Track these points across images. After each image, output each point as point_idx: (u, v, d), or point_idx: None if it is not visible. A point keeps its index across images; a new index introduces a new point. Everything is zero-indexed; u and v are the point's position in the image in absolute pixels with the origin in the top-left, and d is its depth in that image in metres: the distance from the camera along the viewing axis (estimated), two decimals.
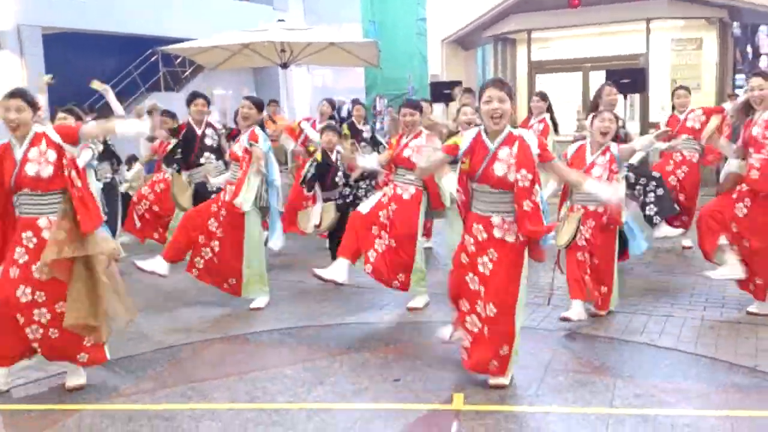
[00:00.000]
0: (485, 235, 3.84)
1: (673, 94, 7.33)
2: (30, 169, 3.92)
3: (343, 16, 20.70)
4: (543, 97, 8.00)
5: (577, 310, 4.97)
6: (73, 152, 4.05)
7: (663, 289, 5.90)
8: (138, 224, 7.88)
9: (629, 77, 9.19)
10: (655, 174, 6.65)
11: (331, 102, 9.10)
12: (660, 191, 6.48)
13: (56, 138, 3.98)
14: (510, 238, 3.80)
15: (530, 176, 3.66)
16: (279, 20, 10.85)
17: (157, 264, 5.69)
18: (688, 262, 6.85)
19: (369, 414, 3.74)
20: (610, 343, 4.69)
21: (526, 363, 4.32)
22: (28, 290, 3.94)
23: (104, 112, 14.13)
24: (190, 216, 5.87)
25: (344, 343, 4.92)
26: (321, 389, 4.05)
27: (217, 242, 5.64)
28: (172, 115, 7.80)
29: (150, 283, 6.62)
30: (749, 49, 21.78)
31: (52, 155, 3.95)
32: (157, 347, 4.91)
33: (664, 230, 6.53)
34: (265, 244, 6.08)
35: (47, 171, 3.92)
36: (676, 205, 6.66)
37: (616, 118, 5.18)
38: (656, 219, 6.48)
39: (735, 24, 15.69)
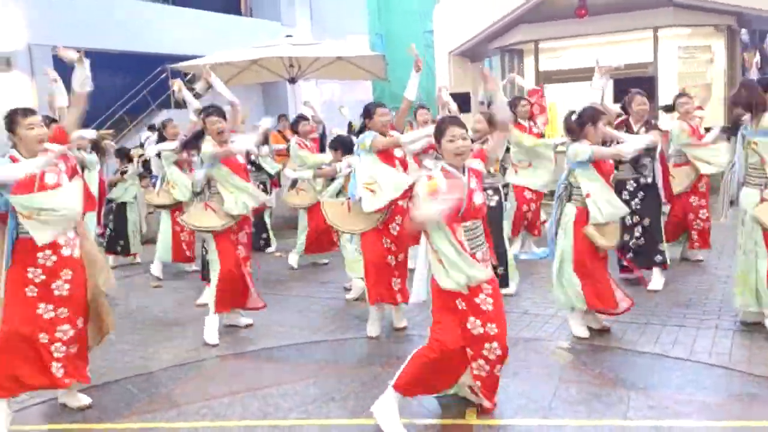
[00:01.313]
0: None
1: (675, 104, 7.02)
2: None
3: (350, 29, 20.82)
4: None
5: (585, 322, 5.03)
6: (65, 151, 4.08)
7: (675, 299, 5.85)
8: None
9: (638, 86, 9.14)
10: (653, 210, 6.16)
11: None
12: (642, 241, 6.11)
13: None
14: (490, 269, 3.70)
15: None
16: (287, 36, 10.95)
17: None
18: (702, 271, 6.80)
19: (381, 430, 3.72)
20: (623, 354, 4.65)
21: (539, 376, 4.30)
22: (50, 307, 3.99)
23: (119, 126, 14.29)
24: None
25: (355, 358, 4.91)
26: (332, 405, 4.05)
27: None
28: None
29: (159, 301, 6.66)
30: (757, 55, 21.71)
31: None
32: (169, 365, 4.92)
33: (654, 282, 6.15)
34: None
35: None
36: (657, 257, 6.11)
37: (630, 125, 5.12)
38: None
39: (743, 31, 15.64)
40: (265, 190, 8.43)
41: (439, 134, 3.65)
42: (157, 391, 4.45)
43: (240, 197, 5.34)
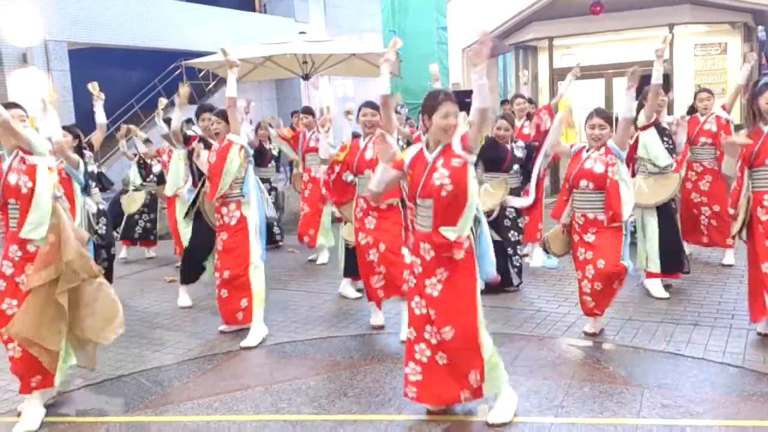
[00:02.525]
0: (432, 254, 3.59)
1: (695, 97, 7.16)
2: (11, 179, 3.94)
3: (364, 26, 20.80)
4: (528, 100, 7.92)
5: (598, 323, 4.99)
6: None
7: (689, 297, 5.81)
8: None
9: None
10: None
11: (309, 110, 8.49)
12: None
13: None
14: (459, 255, 3.57)
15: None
16: (300, 32, 10.95)
17: None
18: (716, 270, 6.75)
19: (394, 426, 3.73)
20: (636, 352, 4.63)
21: (551, 374, 4.29)
22: (14, 302, 3.95)
23: (133, 121, 14.37)
24: None
25: (368, 354, 4.92)
26: (345, 400, 4.06)
27: None
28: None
29: (171, 297, 6.70)
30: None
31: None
32: (182, 359, 4.96)
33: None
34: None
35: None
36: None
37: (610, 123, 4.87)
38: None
39: (760, 28, 15.48)
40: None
41: (431, 107, 3.55)
42: (170, 386, 4.49)
43: None
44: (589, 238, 4.74)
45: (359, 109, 5.32)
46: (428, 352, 3.64)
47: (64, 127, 6.06)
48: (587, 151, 4.84)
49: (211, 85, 17.38)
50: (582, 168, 4.77)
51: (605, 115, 4.83)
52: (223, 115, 5.46)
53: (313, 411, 3.94)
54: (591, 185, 4.71)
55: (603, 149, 4.75)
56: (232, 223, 5.33)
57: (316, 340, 5.26)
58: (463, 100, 10.71)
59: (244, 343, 5.13)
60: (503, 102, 15.63)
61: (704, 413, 3.68)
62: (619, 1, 11.82)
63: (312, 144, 7.96)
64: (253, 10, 19.11)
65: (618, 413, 3.73)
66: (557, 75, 13.75)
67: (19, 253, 3.96)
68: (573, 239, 4.89)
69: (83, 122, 12.20)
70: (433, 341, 3.61)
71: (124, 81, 15.86)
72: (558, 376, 4.25)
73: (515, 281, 6.22)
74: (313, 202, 7.78)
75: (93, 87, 6.11)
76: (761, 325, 4.76)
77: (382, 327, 5.42)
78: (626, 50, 13.55)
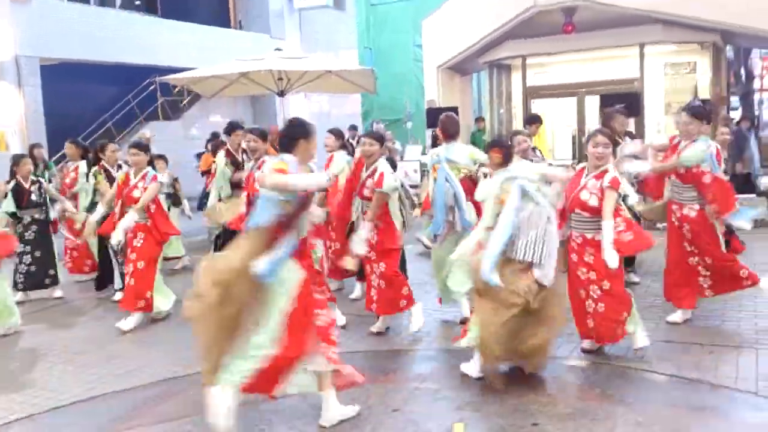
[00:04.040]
0: None
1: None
2: None
3: (340, 43, 20.90)
4: (337, 134, 6.89)
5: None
6: None
7: (661, 315, 5.84)
8: None
9: (624, 102, 9.23)
10: None
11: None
12: None
13: None
14: None
15: None
16: (276, 49, 10.95)
17: None
18: None
19: None
20: (611, 370, 4.65)
21: (525, 392, 4.29)
22: None
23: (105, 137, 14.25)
24: None
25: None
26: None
27: None
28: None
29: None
30: (743, 71, 21.99)
31: None
32: (152, 380, 4.87)
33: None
34: None
35: None
36: None
37: (615, 142, 5.03)
38: None
39: (728, 47, 15.83)
40: None
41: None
42: (142, 407, 4.41)
43: None
44: (589, 258, 4.72)
45: (358, 139, 5.50)
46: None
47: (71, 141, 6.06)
48: (586, 175, 4.80)
49: (185, 101, 17.32)
50: (578, 198, 4.73)
51: (608, 134, 4.85)
52: (261, 134, 5.72)
53: (290, 431, 3.90)
54: (586, 214, 4.73)
55: (601, 177, 4.69)
56: None
57: None
58: (437, 117, 10.80)
59: None
60: (477, 119, 15.81)
61: (679, 430, 3.70)
62: (591, 20, 12.02)
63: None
64: (229, 26, 19.11)
65: (592, 430, 3.74)
66: (530, 93, 13.93)
67: None
68: (571, 258, 4.85)
69: (54, 138, 12.10)
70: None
71: (98, 96, 15.73)
72: (531, 395, 4.25)
73: None
74: None
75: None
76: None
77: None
78: (598, 69, 13.77)
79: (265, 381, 3.62)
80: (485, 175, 5.44)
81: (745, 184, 11.02)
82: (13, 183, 7.15)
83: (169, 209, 7.94)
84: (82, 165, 8.02)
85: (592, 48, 12.95)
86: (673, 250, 5.55)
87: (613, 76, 13.41)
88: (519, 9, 12.43)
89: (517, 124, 13.94)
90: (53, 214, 7.50)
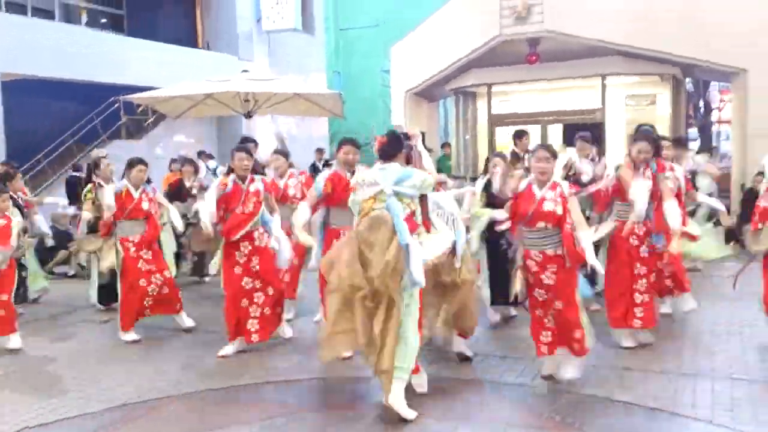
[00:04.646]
0: None
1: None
2: None
3: (309, 66, 20.93)
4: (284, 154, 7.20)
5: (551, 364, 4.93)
6: None
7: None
8: None
9: (586, 131, 9.42)
10: None
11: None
12: None
13: None
14: None
15: None
16: (243, 71, 10.93)
17: None
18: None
19: None
20: (571, 397, 4.67)
21: (485, 419, 4.29)
22: None
23: (61, 161, 14.00)
24: None
25: (303, 401, 4.82)
26: None
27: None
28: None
29: (99, 337, 6.48)
30: (701, 103, 22.63)
31: None
32: (108, 406, 4.75)
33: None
34: None
35: None
36: None
37: (554, 156, 4.89)
38: None
39: (687, 80, 16.29)
40: None
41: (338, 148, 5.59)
42: None
43: None
44: (549, 277, 4.71)
45: (339, 146, 5.69)
46: None
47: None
48: (539, 189, 4.76)
49: (149, 121, 17.12)
50: (540, 211, 4.68)
51: (551, 149, 4.91)
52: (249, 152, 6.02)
53: None
54: (550, 225, 4.71)
55: (556, 187, 4.74)
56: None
57: (250, 385, 5.11)
58: (404, 142, 10.86)
59: None
60: (444, 144, 15.94)
61: None
62: (555, 51, 12.27)
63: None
64: (196, 46, 19.01)
65: None
66: (495, 120, 14.13)
67: None
68: (528, 279, 4.83)
69: (15, 156, 11.84)
70: None
71: (59, 114, 15.46)
72: (491, 422, 4.25)
73: None
74: None
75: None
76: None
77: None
78: (561, 99, 14.05)
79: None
80: None
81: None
82: None
83: None
84: None
85: (555, 78, 13.23)
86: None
87: (575, 106, 13.70)
88: (485, 38, 12.64)
89: (482, 150, 14.11)
90: None
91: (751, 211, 5.85)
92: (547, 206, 4.69)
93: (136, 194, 6.47)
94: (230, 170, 5.98)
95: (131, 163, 6.55)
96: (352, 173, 5.51)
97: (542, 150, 4.86)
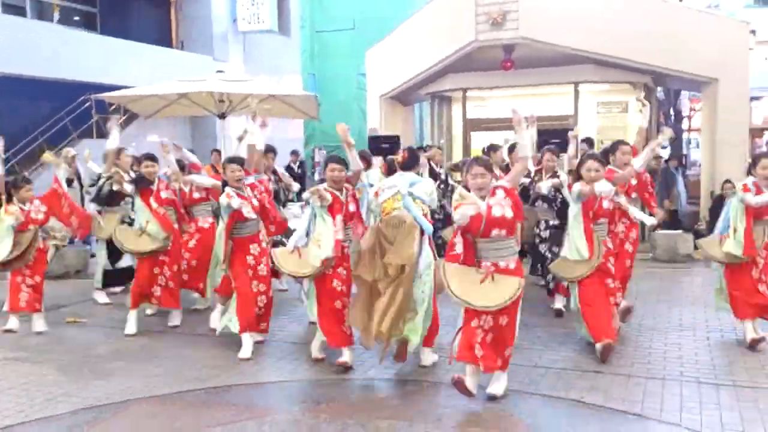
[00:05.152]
0: None
1: (617, 150, 6.88)
2: None
3: (284, 68, 20.87)
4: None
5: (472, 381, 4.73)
6: None
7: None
8: None
9: (559, 137, 9.51)
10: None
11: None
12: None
13: None
14: None
15: None
16: (218, 71, 10.86)
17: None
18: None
19: None
20: (541, 400, 4.71)
21: (453, 423, 4.30)
22: None
23: (31, 159, 13.76)
24: None
25: (274, 403, 4.80)
26: None
27: None
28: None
29: (70, 338, 6.37)
30: (672, 112, 23.03)
31: None
32: (77, 407, 4.67)
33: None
34: None
35: None
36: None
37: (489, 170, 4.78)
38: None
39: (659, 88, 16.53)
40: None
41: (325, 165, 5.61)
42: None
43: None
44: None
45: (326, 164, 5.61)
46: None
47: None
48: (482, 200, 4.64)
49: (122, 120, 16.89)
50: (491, 218, 4.57)
51: (484, 162, 4.78)
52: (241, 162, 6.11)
53: None
54: (504, 233, 4.64)
55: (495, 192, 4.68)
56: None
57: (220, 388, 5.07)
58: (379, 145, 10.93)
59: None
60: (420, 148, 15.97)
61: None
62: (529, 58, 12.38)
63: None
64: (170, 46, 18.84)
65: None
66: (470, 125, 14.20)
67: None
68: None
69: None
70: None
71: (30, 112, 15.20)
72: (460, 426, 4.26)
73: None
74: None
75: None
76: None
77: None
78: (535, 105, 14.13)
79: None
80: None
81: (671, 220, 11.50)
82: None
83: None
84: None
85: (529, 84, 13.33)
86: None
87: (548, 112, 13.79)
88: (461, 44, 12.69)
89: (457, 154, 14.16)
90: None
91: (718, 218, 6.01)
92: (496, 211, 4.58)
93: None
94: (224, 183, 5.94)
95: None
96: (340, 191, 5.48)
97: (476, 166, 4.64)
